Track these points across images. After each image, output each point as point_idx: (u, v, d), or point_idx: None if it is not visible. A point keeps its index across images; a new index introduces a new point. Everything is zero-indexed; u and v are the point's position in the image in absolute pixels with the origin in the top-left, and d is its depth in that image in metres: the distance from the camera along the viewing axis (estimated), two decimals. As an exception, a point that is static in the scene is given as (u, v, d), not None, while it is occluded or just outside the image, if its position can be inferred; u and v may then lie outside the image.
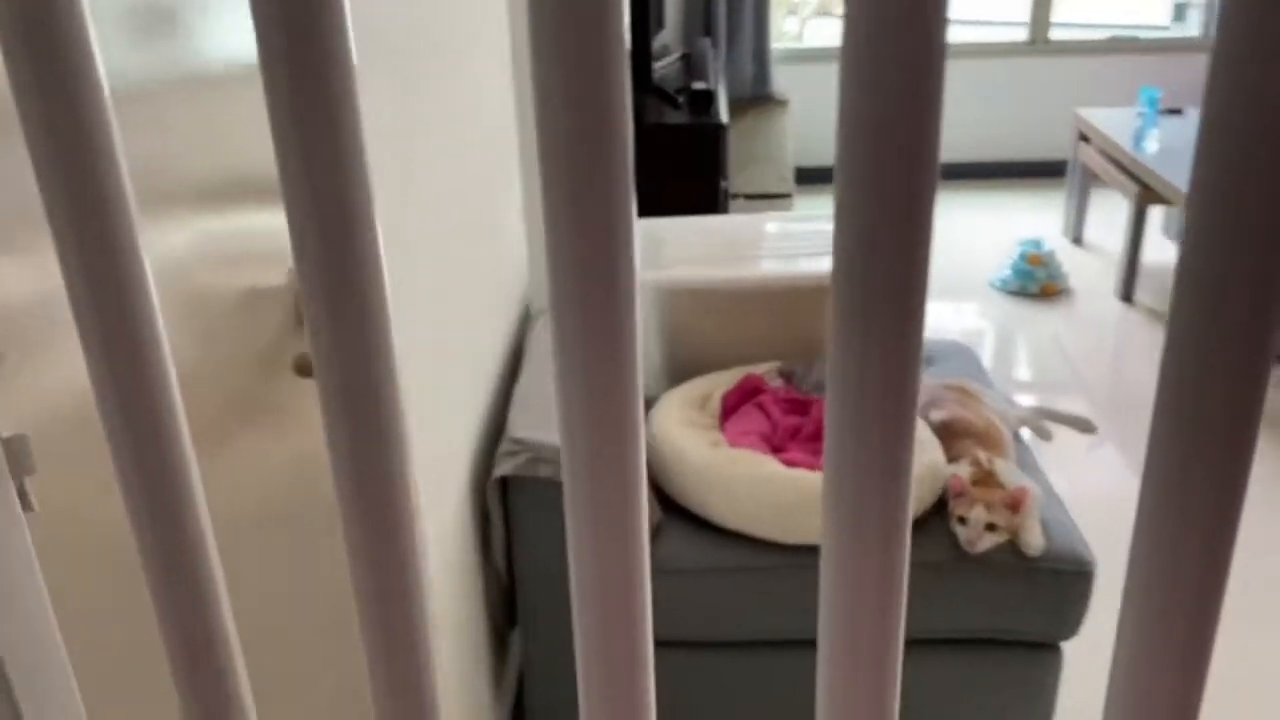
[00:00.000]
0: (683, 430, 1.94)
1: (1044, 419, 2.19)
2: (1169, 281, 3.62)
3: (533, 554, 1.82)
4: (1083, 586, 1.79)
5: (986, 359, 3.80)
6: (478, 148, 1.97)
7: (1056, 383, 3.54)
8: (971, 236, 4.77)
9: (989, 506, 1.78)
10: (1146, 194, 3.88)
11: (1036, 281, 4.12)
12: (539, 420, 1.83)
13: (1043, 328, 3.91)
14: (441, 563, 1.59)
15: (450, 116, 1.72)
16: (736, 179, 3.95)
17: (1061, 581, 1.79)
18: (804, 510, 1.77)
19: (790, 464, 1.86)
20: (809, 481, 1.78)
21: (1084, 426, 2.19)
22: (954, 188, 5.41)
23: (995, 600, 1.82)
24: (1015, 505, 1.80)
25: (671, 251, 2.28)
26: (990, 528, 1.77)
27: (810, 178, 5.04)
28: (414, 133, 1.48)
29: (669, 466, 1.89)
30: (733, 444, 1.94)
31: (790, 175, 4.01)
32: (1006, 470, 1.90)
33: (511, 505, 1.78)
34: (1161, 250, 4.44)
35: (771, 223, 2.48)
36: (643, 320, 2.20)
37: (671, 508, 1.89)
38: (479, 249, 1.95)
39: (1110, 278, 4.21)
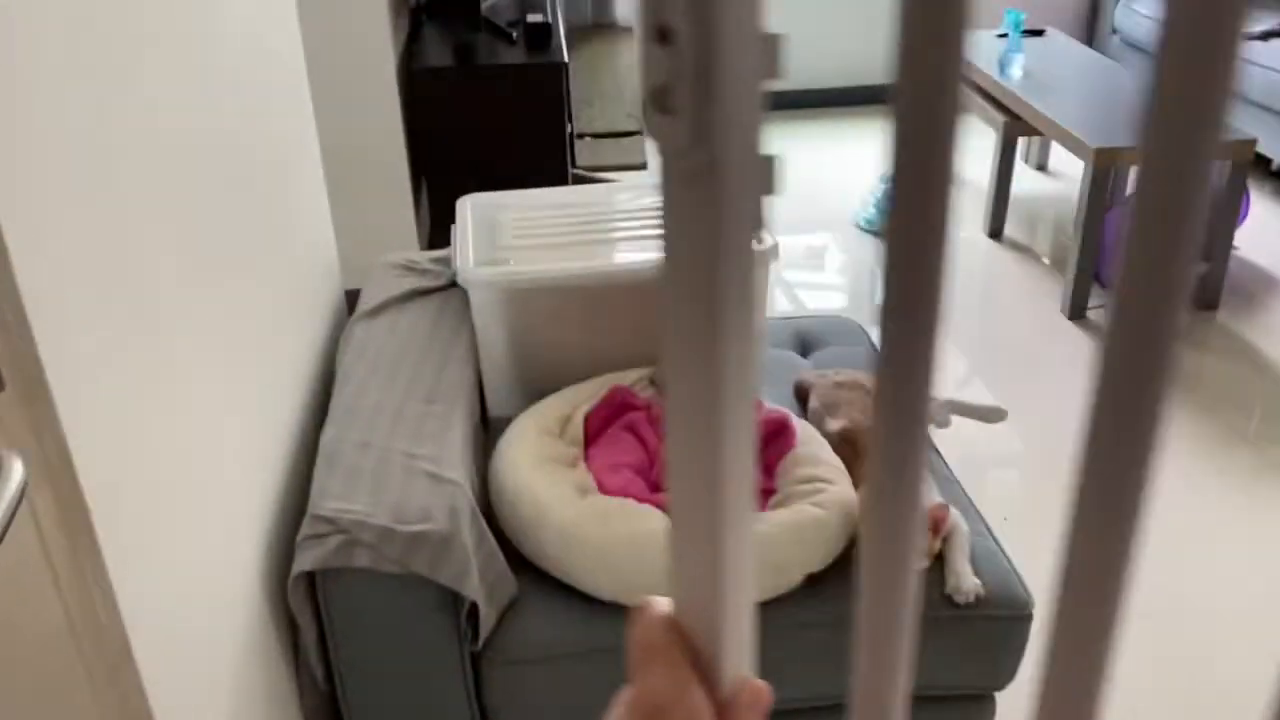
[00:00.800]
0: (542, 472, 1.57)
1: (953, 413, 1.91)
2: (1038, 214, 3.38)
3: (356, 653, 1.44)
4: (1021, 632, 1.53)
5: (853, 304, 3.55)
6: (242, 111, 1.51)
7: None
8: (833, 169, 4.49)
9: None
10: (1015, 124, 3.66)
11: (904, 221, 3.88)
12: (354, 480, 1.43)
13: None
14: (227, 682, 1.20)
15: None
16: (581, 117, 3.54)
17: (998, 629, 1.52)
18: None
19: (675, 512, 1.52)
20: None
21: (995, 416, 1.93)
22: (817, 116, 5.12)
23: (924, 656, 1.54)
24: (934, 527, 1.51)
25: (513, 237, 1.88)
26: None
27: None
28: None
29: (527, 524, 1.52)
30: (603, 483, 1.59)
31: (639, 111, 3.62)
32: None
33: (324, 602, 1.38)
34: (1031, 183, 4.27)
35: (625, 192, 2.10)
36: (485, 327, 1.81)
37: (532, 571, 1.53)
38: (259, 235, 1.51)
39: (978, 213, 4.01)
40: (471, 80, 2.87)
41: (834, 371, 1.99)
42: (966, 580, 1.50)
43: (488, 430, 1.84)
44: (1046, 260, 3.71)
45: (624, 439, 1.70)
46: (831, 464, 1.60)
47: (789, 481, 1.58)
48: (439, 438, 1.50)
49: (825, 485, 1.54)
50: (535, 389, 1.86)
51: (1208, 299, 3.35)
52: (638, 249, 1.83)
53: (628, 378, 1.82)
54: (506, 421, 1.83)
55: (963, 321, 3.42)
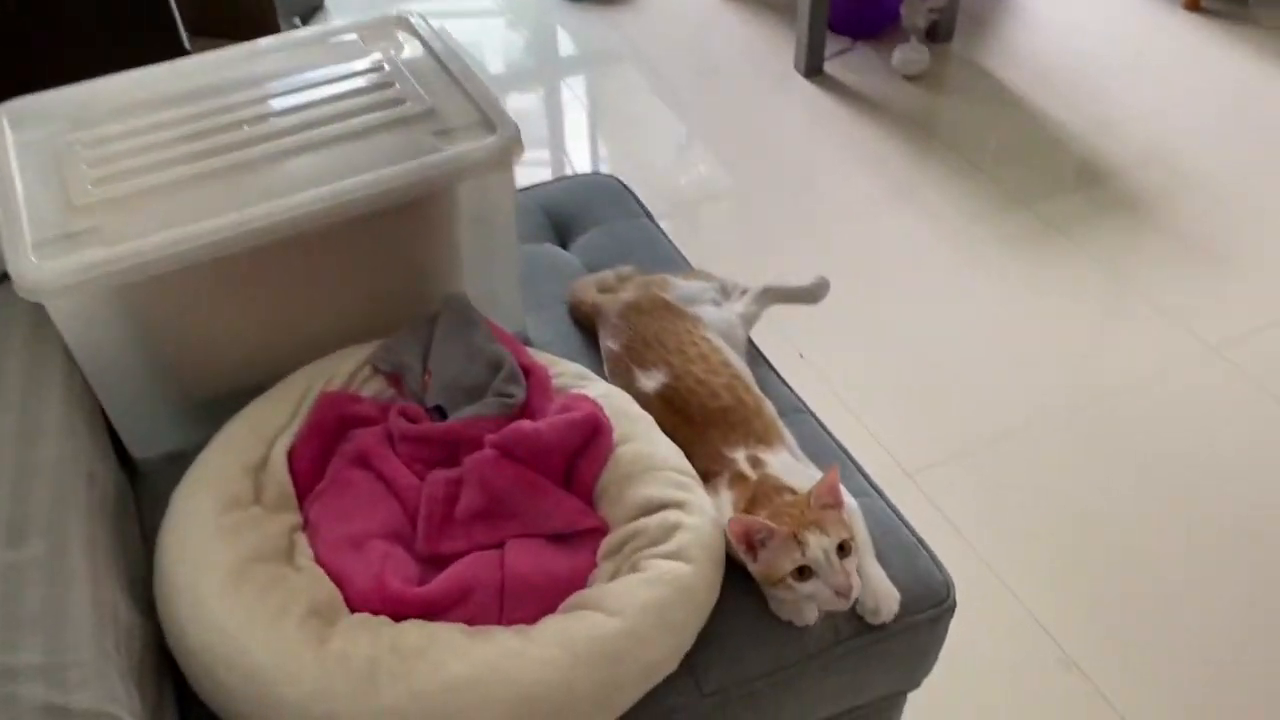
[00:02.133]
0: (244, 597, 0.98)
1: (772, 303, 1.45)
2: None
3: None
4: (943, 628, 1.17)
5: (567, 98, 2.96)
6: None
7: (649, 111, 2.81)
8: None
9: (811, 523, 1.04)
10: None
11: (599, -24, 3.24)
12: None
13: (614, 34, 3.10)
14: None
15: None
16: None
17: (919, 635, 1.15)
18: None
19: (474, 619, 0.99)
20: (539, 670, 0.93)
21: (819, 292, 1.48)
22: None
23: (840, 689, 1.15)
24: (834, 494, 1.08)
25: (93, 183, 1.15)
26: (843, 549, 1.04)
27: None
28: None
29: (208, 669, 0.95)
30: (343, 576, 1.02)
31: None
32: (787, 468, 1.16)
33: None
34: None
35: (270, 58, 1.37)
36: (85, 347, 1.12)
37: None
38: None
39: (678, -47, 3.41)
40: None
41: (615, 274, 1.46)
42: (884, 594, 1.10)
43: (137, 488, 1.20)
44: (773, 12, 3.23)
45: (357, 482, 1.12)
46: (672, 467, 1.11)
47: (623, 512, 1.08)
48: (52, 618, 0.87)
49: (678, 515, 1.05)
50: (200, 410, 1.22)
51: (944, 32, 3.02)
52: (316, 164, 1.17)
53: (341, 368, 1.21)
54: (163, 464, 1.19)
55: (686, 86, 2.92)
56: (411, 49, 1.35)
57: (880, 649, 1.12)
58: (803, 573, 1.03)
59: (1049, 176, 2.57)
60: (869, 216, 2.47)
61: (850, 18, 2.99)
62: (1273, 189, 2.51)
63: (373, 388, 1.21)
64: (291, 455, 1.13)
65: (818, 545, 1.02)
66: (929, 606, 1.14)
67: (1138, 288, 2.25)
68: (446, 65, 1.31)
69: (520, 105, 2.92)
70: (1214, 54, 2.98)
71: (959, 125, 2.74)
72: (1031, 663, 1.62)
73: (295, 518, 1.10)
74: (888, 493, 1.25)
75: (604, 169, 2.67)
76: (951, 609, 1.16)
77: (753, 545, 1.05)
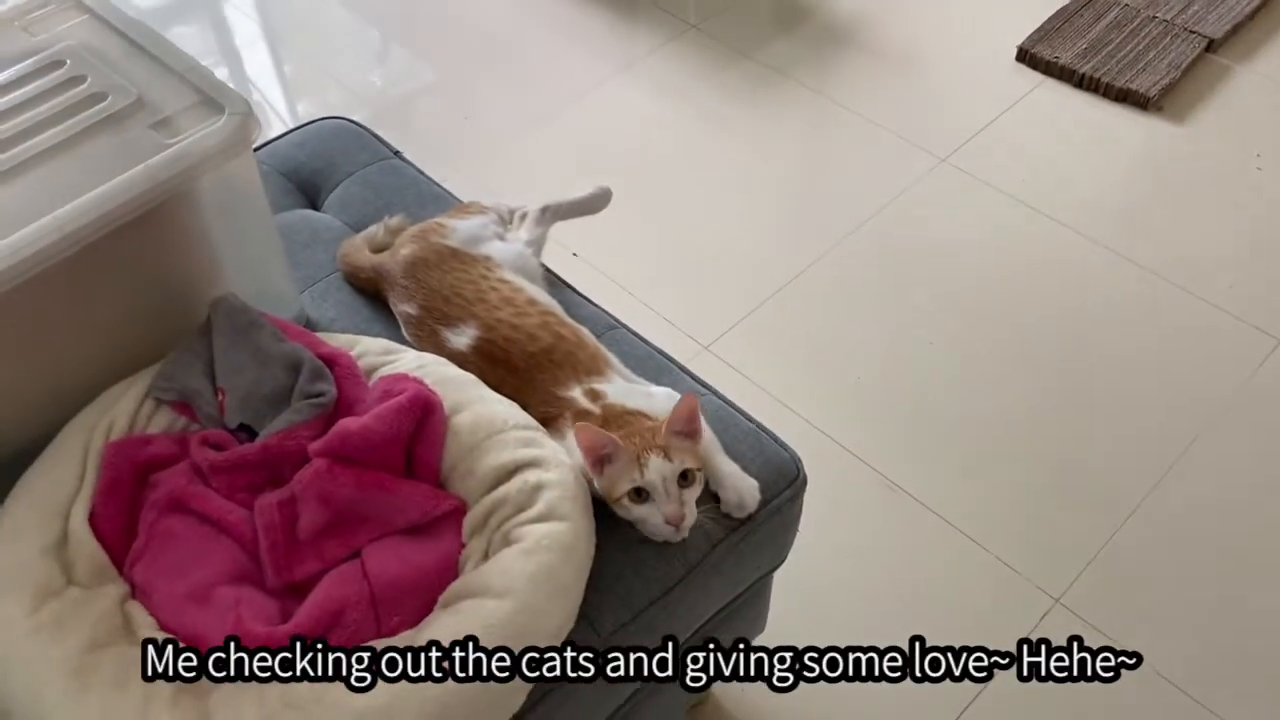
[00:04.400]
0: (67, 662, 0.87)
1: (554, 221, 1.40)
2: None
3: None
4: (798, 503, 1.21)
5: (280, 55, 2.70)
6: None
7: (335, 23, 2.62)
8: None
9: (658, 447, 1.04)
10: None
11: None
12: None
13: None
14: None
15: None
16: None
17: (783, 513, 1.18)
18: None
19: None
20: None
21: (600, 202, 1.45)
22: None
23: (722, 589, 1.17)
24: (690, 423, 1.08)
25: None
26: (686, 478, 1.05)
27: None
28: None
29: None
30: (195, 638, 0.93)
31: None
32: (625, 393, 1.15)
33: None
34: None
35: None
36: None
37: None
38: None
39: None
40: None
41: (384, 227, 1.37)
42: (745, 488, 1.12)
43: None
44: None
45: (178, 530, 1.01)
46: (514, 425, 1.07)
47: (478, 485, 1.04)
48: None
49: (537, 474, 1.02)
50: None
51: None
52: (21, 194, 1.00)
53: (118, 410, 1.07)
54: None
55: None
56: (90, 28, 1.17)
57: (752, 541, 1.15)
58: (640, 494, 1.03)
59: (758, 22, 2.60)
60: (596, 95, 2.43)
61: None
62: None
63: (161, 422, 1.09)
64: (94, 520, 1.01)
65: (658, 470, 1.02)
66: (785, 487, 1.17)
67: (864, 114, 2.34)
68: (138, 43, 1.14)
69: (185, 42, 2.64)
70: None
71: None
72: (861, 493, 1.72)
73: (120, 587, 0.99)
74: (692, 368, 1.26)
75: (304, 101, 2.48)
76: (804, 483, 1.20)
77: (599, 460, 1.04)
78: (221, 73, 2.54)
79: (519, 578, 0.95)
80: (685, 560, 1.09)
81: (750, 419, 1.22)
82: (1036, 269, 2.03)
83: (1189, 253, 2.04)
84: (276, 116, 2.42)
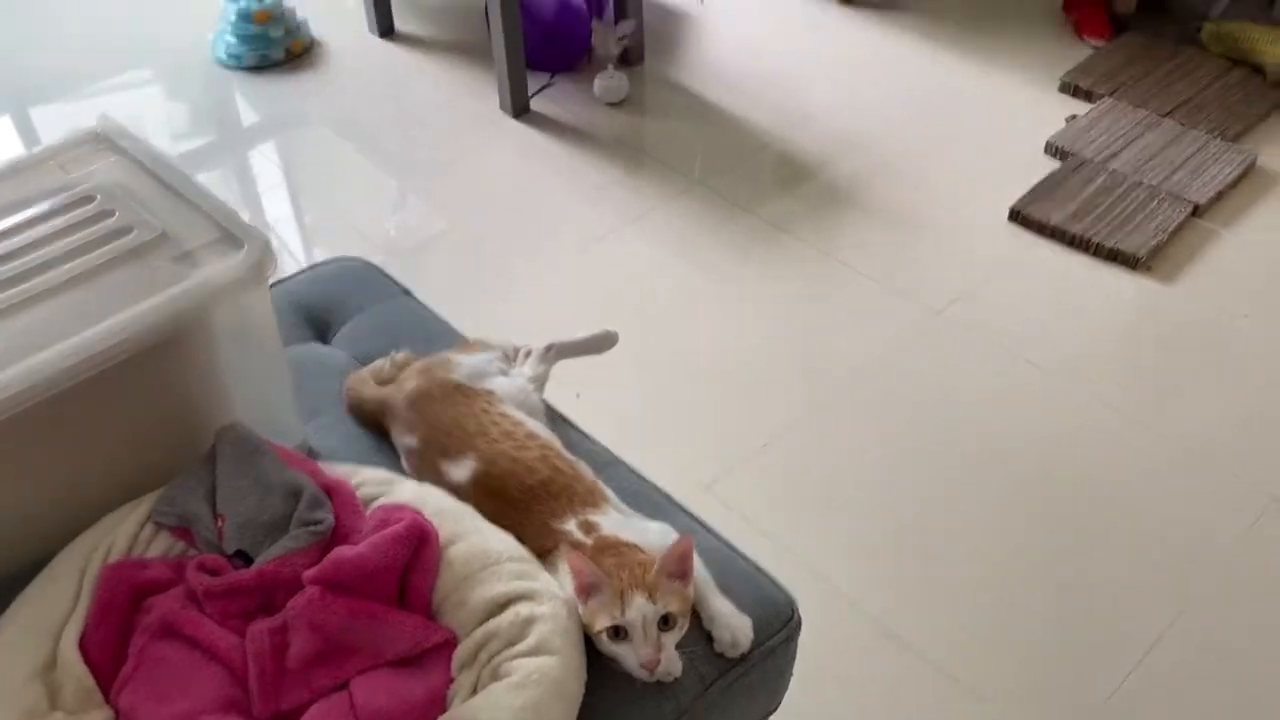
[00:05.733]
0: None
1: (558, 359, 1.44)
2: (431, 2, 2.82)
3: None
4: (792, 646, 1.20)
5: (250, 167, 2.82)
6: None
7: (357, 173, 2.73)
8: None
9: (644, 586, 1.04)
10: (370, -104, 2.97)
11: (278, 44, 3.10)
12: None
13: (306, 101, 2.98)
14: None
15: None
16: None
17: (777, 655, 1.17)
18: None
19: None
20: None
21: (605, 343, 1.49)
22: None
23: (709, 738, 1.16)
24: (682, 565, 1.08)
25: None
26: (668, 621, 1.04)
27: None
28: None
29: None
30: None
31: None
32: (620, 526, 1.16)
33: None
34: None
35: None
36: None
37: None
38: None
39: (357, 11, 3.32)
40: None
41: (390, 362, 1.40)
42: (738, 626, 1.12)
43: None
44: (468, 56, 3.20)
45: (169, 656, 1.01)
46: (509, 557, 1.08)
47: (470, 617, 1.04)
48: None
49: (529, 608, 1.02)
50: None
51: (635, 56, 3.12)
52: (46, 319, 1.04)
53: (118, 533, 1.09)
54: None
55: (393, 143, 2.86)
56: (121, 168, 1.23)
57: (745, 682, 1.14)
58: (618, 632, 1.03)
59: (760, 179, 2.71)
60: (601, 245, 2.51)
61: (545, 52, 3.02)
62: (937, 153, 2.76)
63: (160, 546, 1.10)
64: (84, 644, 1.01)
65: (639, 610, 1.02)
66: (779, 628, 1.16)
67: (863, 270, 2.41)
68: (165, 180, 1.20)
69: (210, 184, 2.75)
70: (874, 39, 3.24)
71: (667, 144, 2.83)
72: (857, 640, 1.70)
73: (105, 712, 0.98)
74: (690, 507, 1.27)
75: (321, 245, 2.56)
76: (799, 625, 1.19)
77: (585, 588, 1.04)
78: (244, 215, 2.64)
79: (506, 712, 0.94)
80: (677, 702, 1.08)
81: (745, 558, 1.22)
82: (1034, 422, 2.06)
83: (1180, 407, 2.07)
84: (292, 258, 2.49)
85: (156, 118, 2.97)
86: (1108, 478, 1.96)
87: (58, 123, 2.96)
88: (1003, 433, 2.04)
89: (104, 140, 1.27)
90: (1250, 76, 2.90)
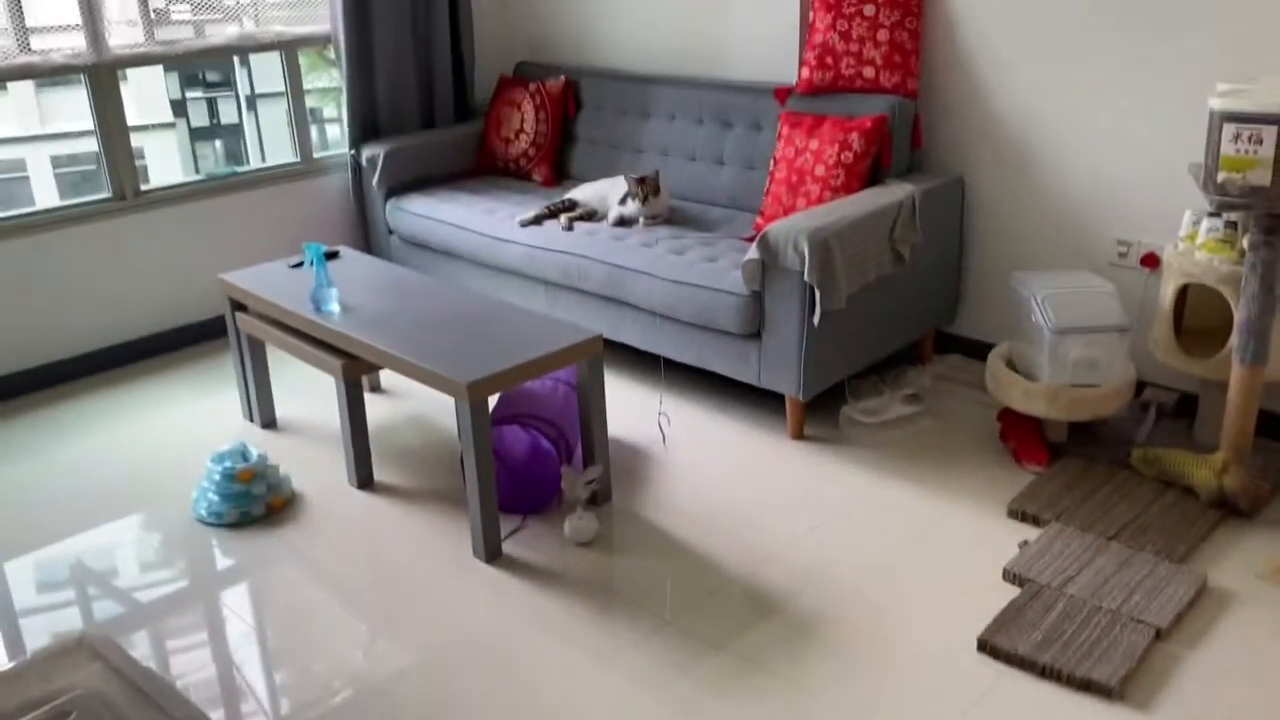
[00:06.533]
0: None
1: None
2: (404, 447, 2.99)
3: None
4: None
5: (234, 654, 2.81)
6: None
7: (329, 624, 2.73)
8: (131, 448, 3.64)
9: None
10: (355, 365, 3.25)
11: (260, 500, 3.23)
12: None
13: (284, 554, 3.05)
14: None
15: None
16: None
17: None
18: None
19: None
20: None
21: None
22: (85, 387, 4.17)
23: None
24: None
25: None
26: None
27: None
28: None
29: None
30: None
31: None
32: None
33: None
34: (373, 409, 3.88)
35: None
36: None
37: None
38: None
39: (337, 463, 3.51)
40: None
41: None
42: None
43: None
44: (440, 502, 3.34)
45: None
46: None
47: None
48: None
49: None
50: None
51: (602, 496, 3.27)
52: None
53: None
54: None
55: (367, 592, 2.89)
56: (103, 677, 1.26)
57: None
58: None
59: (731, 615, 2.75)
60: (575, 687, 2.49)
61: (515, 497, 3.16)
62: (901, 582, 2.84)
63: None
64: None
65: None
66: None
67: (835, 702, 2.39)
68: (143, 689, 1.23)
69: (181, 640, 2.74)
70: (829, 473, 3.43)
71: (638, 582, 2.90)
72: None
73: None
74: None
75: (288, 697, 2.52)
76: None
77: None
78: (207, 674, 2.61)
79: None
80: None
81: None
82: None
83: None
84: (261, 711, 2.44)
85: (131, 571, 3.02)
86: None
87: (40, 601, 2.99)
88: None
89: (86, 647, 1.31)
90: (1184, 497, 3.08)
